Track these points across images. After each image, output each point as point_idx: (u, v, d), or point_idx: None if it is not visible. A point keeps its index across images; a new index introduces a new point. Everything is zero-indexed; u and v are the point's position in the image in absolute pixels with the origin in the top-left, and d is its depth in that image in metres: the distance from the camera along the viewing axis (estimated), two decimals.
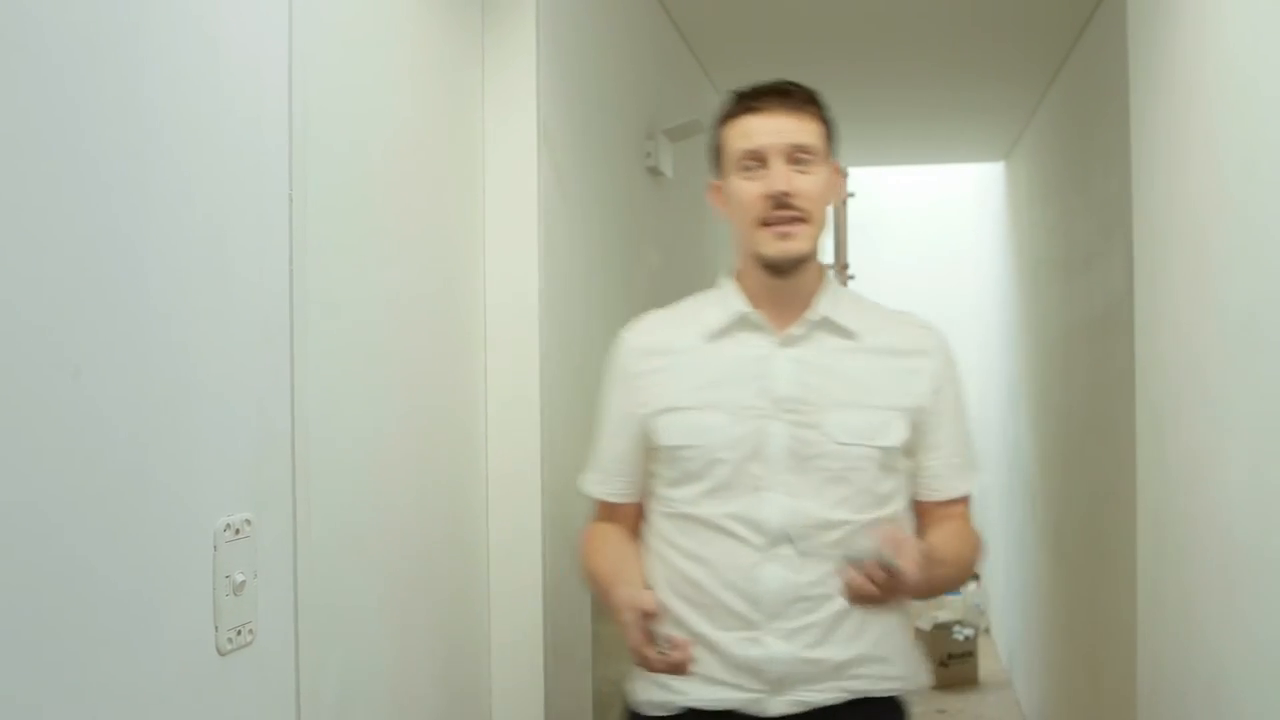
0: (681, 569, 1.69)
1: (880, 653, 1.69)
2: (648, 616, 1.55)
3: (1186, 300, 1.94)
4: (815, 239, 1.72)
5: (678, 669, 1.55)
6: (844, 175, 1.74)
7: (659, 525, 1.74)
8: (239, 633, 1.22)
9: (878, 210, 8.30)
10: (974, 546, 1.75)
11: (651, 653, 1.54)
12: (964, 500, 1.77)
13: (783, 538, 1.65)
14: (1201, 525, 1.85)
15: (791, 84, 1.75)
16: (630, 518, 1.81)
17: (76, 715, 1.00)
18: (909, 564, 1.46)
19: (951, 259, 8.05)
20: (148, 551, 1.09)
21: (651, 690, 1.70)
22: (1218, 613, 1.76)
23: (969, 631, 6.29)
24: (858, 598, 1.50)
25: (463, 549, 2.01)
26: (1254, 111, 1.61)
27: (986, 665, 6.41)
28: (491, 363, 2.10)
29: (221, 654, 1.19)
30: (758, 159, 1.68)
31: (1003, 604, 6.44)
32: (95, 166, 1.02)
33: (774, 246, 1.68)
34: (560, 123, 2.22)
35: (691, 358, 1.74)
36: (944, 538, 1.68)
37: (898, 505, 1.71)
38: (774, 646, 1.64)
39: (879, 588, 1.46)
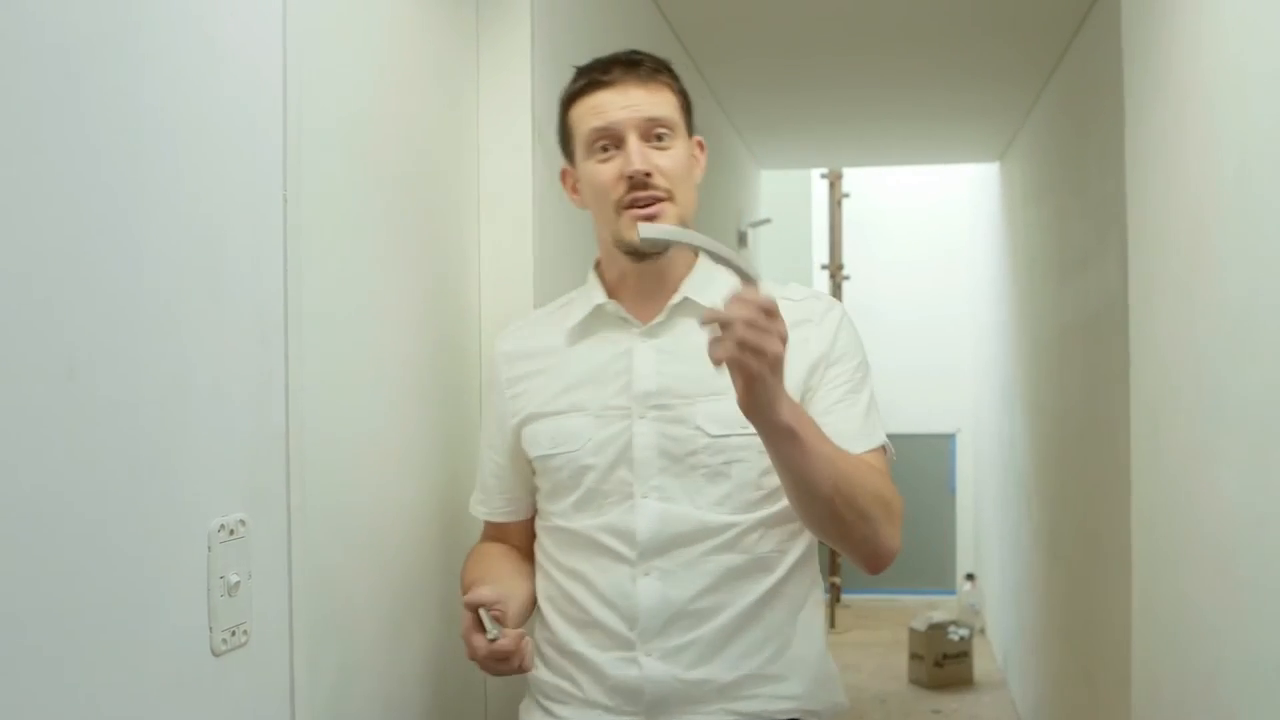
0: (562, 586, 1.60)
1: (775, 671, 1.56)
2: (479, 605, 1.48)
3: (1181, 300, 1.95)
4: (681, 220, 1.56)
5: (505, 661, 1.47)
6: (704, 150, 1.66)
7: (542, 540, 1.66)
8: (233, 633, 1.22)
9: (873, 210, 8.32)
10: (878, 480, 1.49)
11: (478, 641, 1.47)
12: (868, 456, 1.53)
13: (655, 550, 1.53)
14: (1196, 525, 1.85)
15: (639, 53, 1.61)
16: (520, 537, 1.72)
17: (71, 716, 0.99)
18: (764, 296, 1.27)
19: (947, 259, 8.07)
20: (142, 552, 1.09)
21: (533, 714, 1.64)
22: (1213, 612, 1.77)
23: (964, 632, 6.30)
24: (716, 320, 1.27)
25: (458, 549, 2.00)
26: (1249, 111, 1.61)
27: (982, 665, 6.42)
28: (486, 363, 2.09)
29: (216, 655, 1.19)
30: (610, 137, 1.56)
31: (998, 604, 6.44)
32: (91, 167, 1.02)
33: (636, 231, 1.51)
34: (555, 124, 2.22)
35: (556, 359, 1.63)
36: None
37: (786, 501, 1.51)
38: (651, 667, 1.53)
39: (742, 318, 1.26)
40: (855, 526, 1.45)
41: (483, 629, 1.48)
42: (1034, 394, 4.91)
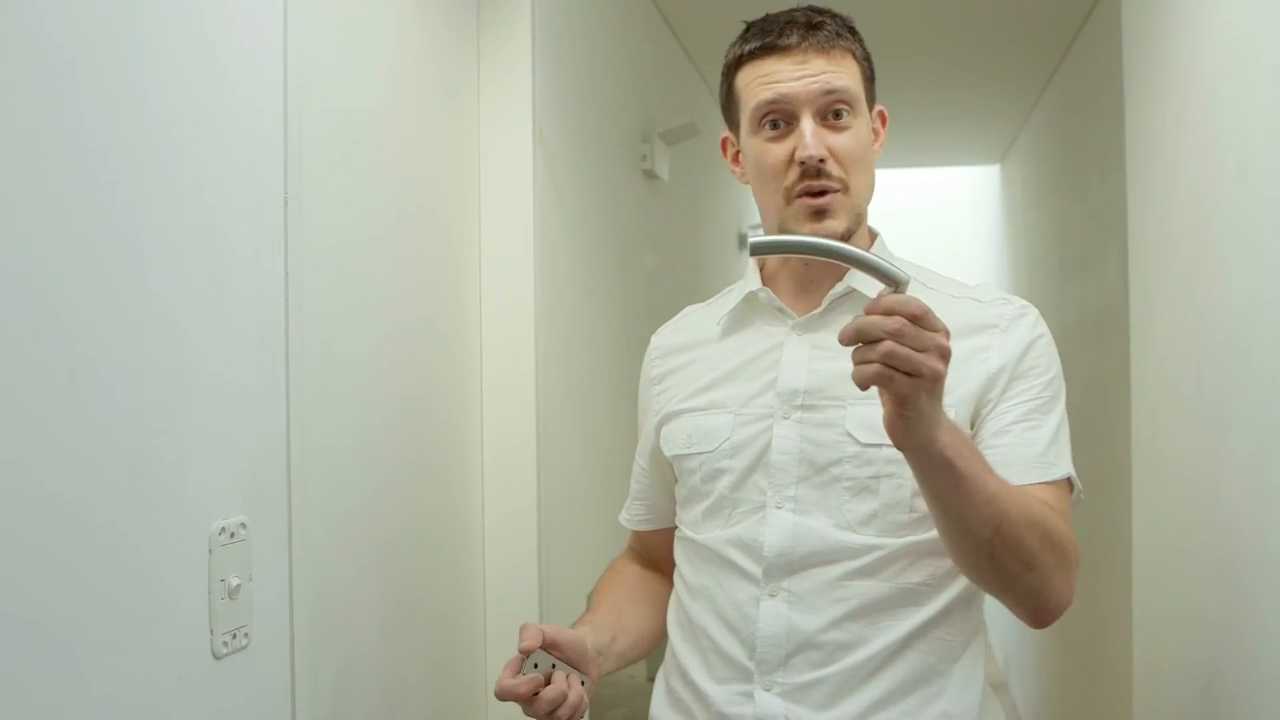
0: (687, 607, 1.41)
1: (931, 716, 1.33)
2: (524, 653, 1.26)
3: (1181, 301, 1.94)
4: (857, 212, 1.38)
5: (530, 705, 1.25)
6: (886, 122, 1.47)
7: (675, 555, 1.47)
8: (234, 636, 1.21)
9: (873, 213, 8.30)
10: (1052, 522, 1.25)
11: (502, 676, 1.25)
12: (1044, 490, 1.30)
13: (783, 568, 1.33)
14: (1197, 526, 1.85)
15: (821, 10, 1.40)
16: (664, 550, 1.53)
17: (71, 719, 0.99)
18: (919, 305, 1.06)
19: (947, 262, 8.04)
20: (143, 555, 1.08)
21: None
22: (1214, 614, 1.76)
23: None
24: (856, 339, 1.07)
25: (458, 553, 2.01)
26: (1249, 112, 1.61)
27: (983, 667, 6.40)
28: (487, 366, 2.09)
29: (217, 657, 1.19)
30: (782, 113, 1.36)
31: (999, 605, 6.42)
32: (91, 169, 1.02)
33: (807, 227, 1.35)
34: (555, 126, 2.22)
35: (706, 352, 1.46)
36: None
37: None
38: (767, 704, 1.31)
39: (889, 330, 1.05)
40: (1020, 577, 1.23)
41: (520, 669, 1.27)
42: None
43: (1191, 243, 1.89)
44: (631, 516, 1.59)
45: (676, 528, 1.48)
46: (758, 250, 1.16)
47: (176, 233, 1.13)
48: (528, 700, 1.25)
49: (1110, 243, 3.03)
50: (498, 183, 2.09)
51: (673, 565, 1.50)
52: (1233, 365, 1.67)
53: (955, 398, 1.29)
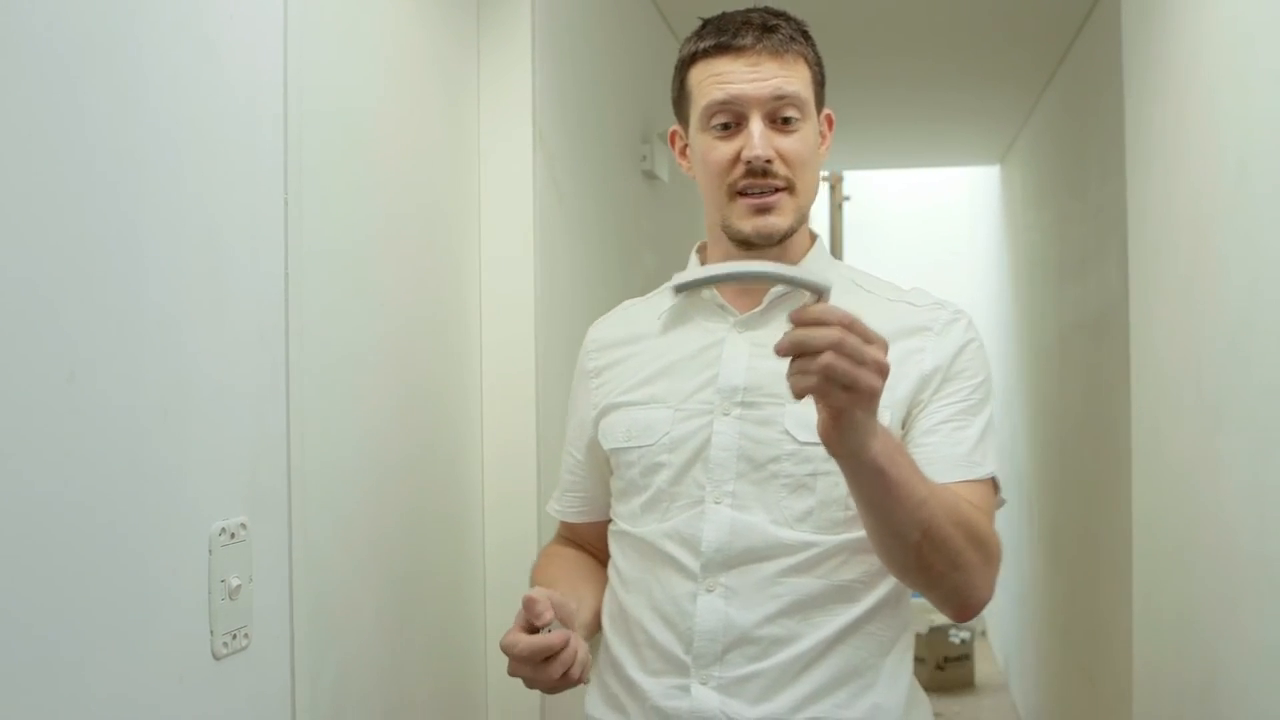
0: (622, 600, 1.43)
1: (849, 717, 1.35)
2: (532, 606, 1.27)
3: (1181, 303, 1.94)
4: (802, 211, 1.41)
5: (548, 663, 1.26)
6: (833, 125, 1.49)
7: (610, 549, 1.49)
8: (234, 637, 1.21)
9: (873, 214, 8.32)
10: (976, 521, 1.29)
11: (512, 636, 1.26)
12: (969, 489, 1.34)
13: (720, 563, 1.35)
14: (1197, 528, 1.85)
15: (776, 14, 1.42)
16: (595, 540, 1.56)
17: None
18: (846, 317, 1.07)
19: (947, 262, 8.06)
20: (143, 556, 1.08)
21: None
22: (1214, 615, 1.76)
23: (965, 634, 6.29)
24: (794, 350, 1.08)
25: (459, 552, 2.01)
26: (1249, 113, 1.61)
27: (983, 668, 6.41)
28: (487, 366, 2.09)
29: (217, 658, 1.19)
30: (732, 113, 1.38)
31: (999, 607, 6.43)
32: (91, 170, 1.02)
33: (750, 223, 1.38)
34: (556, 127, 2.22)
35: (646, 347, 1.48)
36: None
37: None
38: (703, 698, 1.34)
39: (817, 339, 1.06)
40: (946, 576, 1.27)
41: (529, 628, 1.28)
42: (1035, 397, 4.90)
43: (1191, 243, 1.89)
44: (564, 508, 1.60)
45: (611, 520, 1.50)
46: (682, 289, 1.18)
47: (176, 233, 1.13)
48: (536, 665, 1.28)
49: (1110, 243, 3.02)
50: (498, 183, 2.09)
51: (605, 553, 1.51)
52: (1233, 365, 1.67)
53: (890, 400, 1.31)
